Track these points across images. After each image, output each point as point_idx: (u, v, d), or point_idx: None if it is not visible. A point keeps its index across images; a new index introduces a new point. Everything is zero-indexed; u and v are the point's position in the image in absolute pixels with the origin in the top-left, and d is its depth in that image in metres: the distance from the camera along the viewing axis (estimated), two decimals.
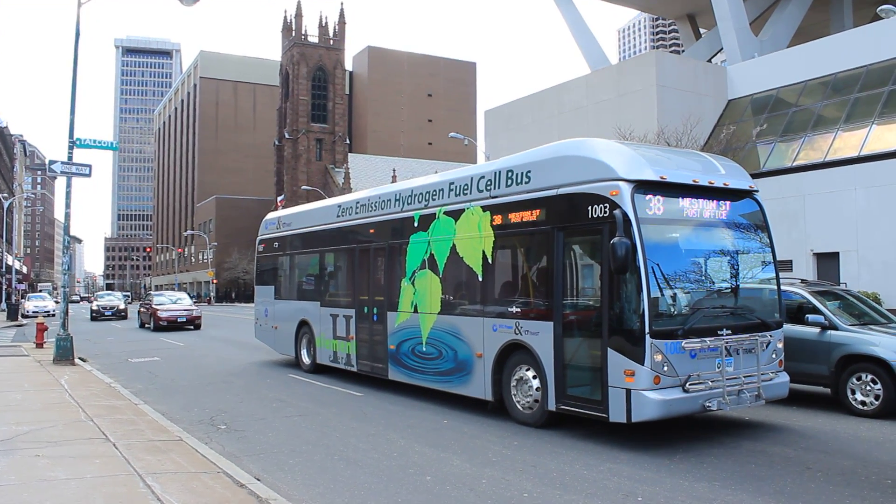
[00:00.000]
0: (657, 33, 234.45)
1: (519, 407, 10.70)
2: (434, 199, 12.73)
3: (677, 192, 9.57)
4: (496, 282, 11.47)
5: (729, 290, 10.02)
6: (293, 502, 6.90)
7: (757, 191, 10.60)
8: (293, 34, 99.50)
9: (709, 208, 9.86)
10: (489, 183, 11.44)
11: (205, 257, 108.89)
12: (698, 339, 9.12)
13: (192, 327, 35.33)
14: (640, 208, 9.00)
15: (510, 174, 11.04)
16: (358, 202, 15.31)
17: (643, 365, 8.72)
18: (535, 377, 10.31)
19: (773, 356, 10.15)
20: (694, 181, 9.74)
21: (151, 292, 37.66)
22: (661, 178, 9.36)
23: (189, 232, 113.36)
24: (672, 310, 9.31)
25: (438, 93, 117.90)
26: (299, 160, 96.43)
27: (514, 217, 10.83)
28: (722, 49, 40.47)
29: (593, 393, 9.37)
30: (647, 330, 8.71)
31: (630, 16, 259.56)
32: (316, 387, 15.01)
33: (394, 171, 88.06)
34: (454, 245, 12.02)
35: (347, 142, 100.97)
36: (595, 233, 9.44)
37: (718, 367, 9.25)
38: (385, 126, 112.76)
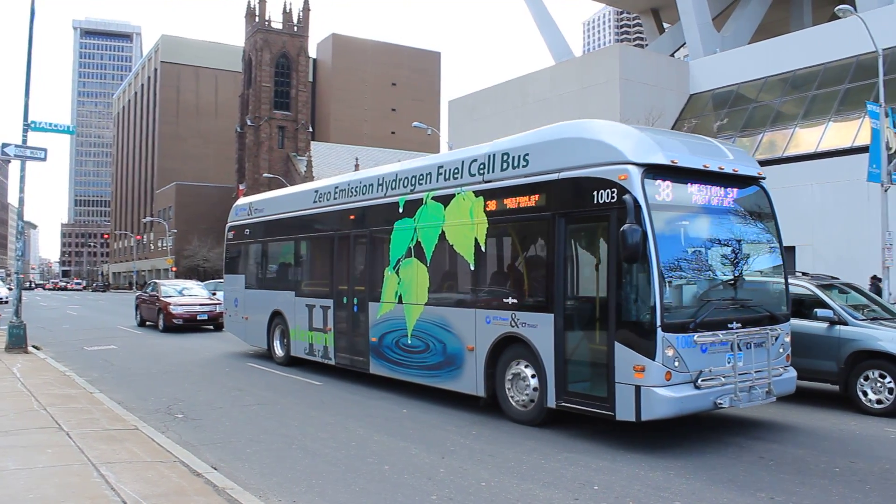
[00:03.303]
0: (621, 27, 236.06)
1: (514, 404, 10.20)
2: (421, 184, 12.12)
3: (686, 178, 9.12)
4: (490, 271, 10.93)
5: (738, 282, 9.56)
6: (250, 491, 6.83)
7: (764, 178, 10.21)
8: (256, 20, 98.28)
9: (718, 195, 9.44)
10: (482, 167, 10.87)
11: (164, 244, 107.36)
12: (710, 333, 8.72)
13: (212, 327, 26.77)
14: (650, 194, 8.54)
15: (506, 157, 10.47)
16: (337, 187, 14.71)
17: (654, 360, 8.25)
18: (533, 374, 9.80)
19: (781, 350, 9.80)
20: (704, 166, 9.28)
21: (157, 281, 29.54)
22: (672, 161, 8.87)
23: (148, 219, 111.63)
24: (683, 302, 8.93)
25: (402, 82, 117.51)
26: (261, 147, 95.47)
27: (511, 203, 10.27)
28: (685, 44, 40.83)
29: (598, 389, 8.88)
30: (658, 323, 8.26)
31: (595, 9, 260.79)
32: (276, 376, 14.95)
33: (356, 159, 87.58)
34: (443, 232, 11.46)
35: (310, 130, 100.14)
36: (601, 220, 8.96)
37: (730, 363, 8.86)
38: (348, 114, 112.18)
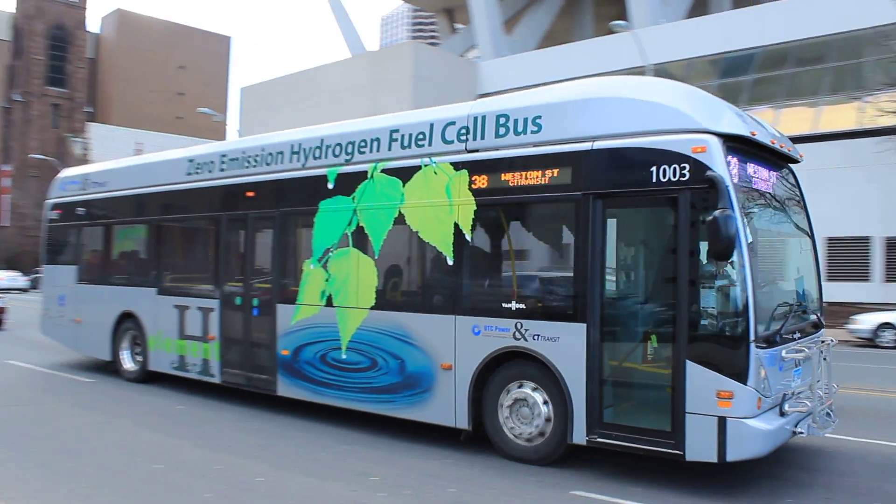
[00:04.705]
0: (417, 24, 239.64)
1: (513, 437, 7.92)
2: (363, 152, 9.43)
3: (751, 156, 7.37)
4: (479, 267, 8.56)
5: (798, 282, 8.08)
6: (4, 501, 6.24)
7: (801, 161, 8.65)
8: None
9: (772, 179, 7.80)
10: (465, 132, 8.45)
11: None
12: (794, 347, 7.11)
13: None
14: (731, 173, 6.77)
15: (504, 120, 8.12)
16: (225, 155, 11.40)
17: (746, 384, 6.47)
18: (545, 400, 7.66)
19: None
20: (772, 142, 7.67)
21: None
22: (752, 133, 7.18)
23: None
24: (766, 308, 7.08)
25: (191, 66, 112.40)
26: (31, 126, 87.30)
27: (514, 179, 7.95)
28: (477, 45, 42.20)
29: (656, 421, 6.97)
30: (751, 336, 6.49)
31: (394, 5, 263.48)
32: (40, 373, 13.72)
33: (139, 144, 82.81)
34: (401, 215, 8.86)
35: (90, 110, 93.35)
36: (662, 203, 7.11)
37: (800, 379, 7.38)
38: (132, 96, 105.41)
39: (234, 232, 11.15)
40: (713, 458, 6.55)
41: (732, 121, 7.07)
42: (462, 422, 8.22)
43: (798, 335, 7.42)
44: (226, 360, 11.00)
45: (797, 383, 7.29)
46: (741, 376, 6.46)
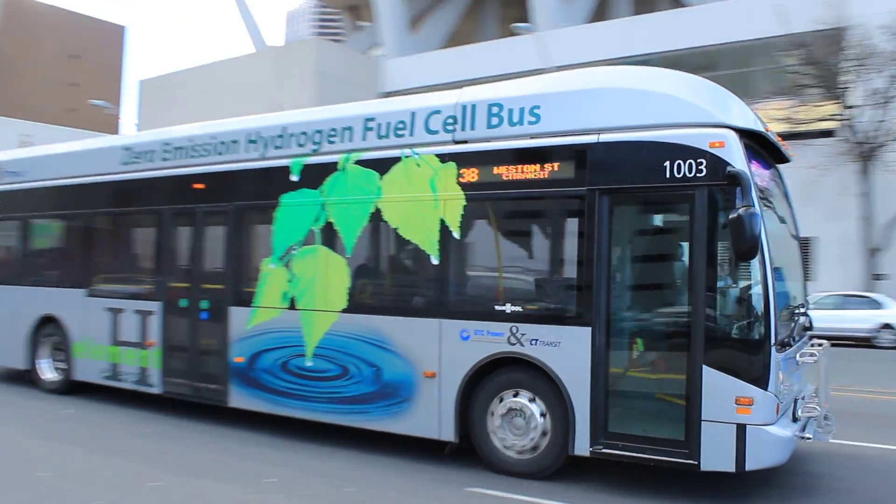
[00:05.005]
0: (322, 21, 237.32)
1: (504, 450, 7.38)
2: (333, 142, 8.71)
3: (754, 152, 7.01)
4: (469, 266, 8.10)
5: (791, 283, 7.89)
6: None
7: (791, 161, 8.37)
8: None
9: (769, 177, 7.51)
10: (451, 121, 7.89)
11: None
12: (808, 351, 7.04)
13: None
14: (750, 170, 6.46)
15: (497, 110, 7.61)
16: (168, 143, 10.32)
17: (767, 389, 6.20)
18: (542, 412, 7.17)
19: None
20: (779, 139, 7.43)
21: None
22: (767, 129, 6.98)
23: None
24: (780, 311, 6.78)
25: (85, 55, 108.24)
26: None
27: (509, 173, 7.43)
28: (382, 43, 42.13)
29: (668, 430, 6.64)
30: (772, 340, 6.24)
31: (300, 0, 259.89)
32: None
33: (26, 136, 78.81)
34: (378, 210, 8.19)
35: None
36: (676, 200, 6.84)
37: (810, 385, 7.37)
38: (20, 86, 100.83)
39: (180, 228, 10.15)
40: (731, 468, 6.28)
41: (746, 115, 6.88)
42: (447, 433, 7.63)
43: (802, 338, 7.33)
44: (168, 369, 9.98)
45: (798, 387, 7.15)
46: (762, 381, 6.20)
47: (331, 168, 8.54)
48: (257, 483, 7.03)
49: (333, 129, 8.73)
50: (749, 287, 6.47)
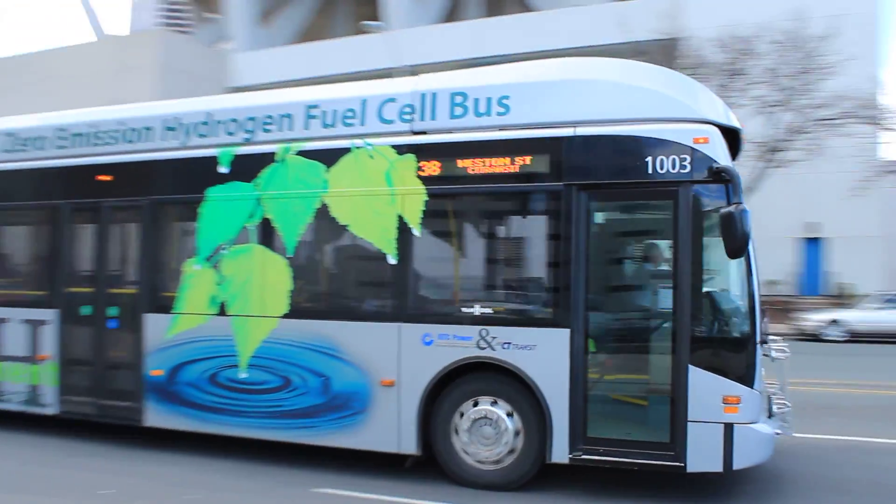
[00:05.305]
0: (169, 11, 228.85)
1: (471, 461, 6.89)
2: (269, 130, 7.91)
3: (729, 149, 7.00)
4: (431, 266, 7.44)
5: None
6: None
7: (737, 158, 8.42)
8: None
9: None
10: (409, 110, 7.33)
11: None
12: (779, 347, 7.03)
13: None
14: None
15: (461, 99, 7.11)
16: (63, 129, 9.07)
17: (753, 387, 6.16)
18: (514, 419, 6.74)
19: None
20: (743, 138, 7.40)
21: None
22: (742, 125, 6.91)
23: None
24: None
25: None
26: None
27: (475, 166, 6.97)
28: (230, 37, 41.13)
29: (652, 433, 6.47)
30: (758, 337, 6.22)
31: None
32: None
33: None
34: (325, 205, 7.46)
35: None
36: (658, 196, 6.63)
37: (778, 381, 7.19)
38: None
39: (81, 225, 8.90)
40: (718, 468, 6.17)
41: (724, 111, 6.81)
42: (408, 446, 7.05)
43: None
44: (66, 386, 8.74)
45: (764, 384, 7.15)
46: (748, 379, 6.16)
47: (267, 159, 7.76)
48: (92, 495, 6.67)
49: (269, 117, 7.94)
50: (736, 283, 6.44)
